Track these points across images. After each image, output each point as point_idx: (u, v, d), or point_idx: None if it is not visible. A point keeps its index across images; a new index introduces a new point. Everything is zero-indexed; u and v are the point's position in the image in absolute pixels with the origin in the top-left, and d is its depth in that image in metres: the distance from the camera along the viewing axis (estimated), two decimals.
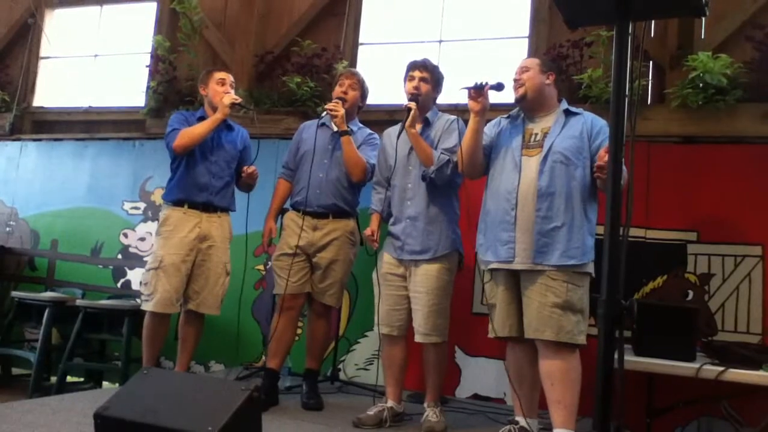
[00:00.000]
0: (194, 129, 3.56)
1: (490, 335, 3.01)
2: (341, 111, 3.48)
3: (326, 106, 3.52)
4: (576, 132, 2.90)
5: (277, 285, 3.56)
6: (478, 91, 2.91)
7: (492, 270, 2.98)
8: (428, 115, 3.34)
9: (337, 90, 3.61)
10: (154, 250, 3.63)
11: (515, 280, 2.90)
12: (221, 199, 3.69)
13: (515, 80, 3.00)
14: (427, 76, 3.31)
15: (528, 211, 2.84)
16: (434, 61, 3.42)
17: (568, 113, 2.97)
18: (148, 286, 3.55)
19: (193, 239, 3.57)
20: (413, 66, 3.35)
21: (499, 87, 2.93)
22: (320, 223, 3.53)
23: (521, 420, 2.92)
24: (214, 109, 3.64)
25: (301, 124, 3.85)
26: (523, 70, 2.99)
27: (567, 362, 2.77)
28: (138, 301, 4.55)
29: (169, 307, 3.54)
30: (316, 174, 3.55)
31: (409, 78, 3.34)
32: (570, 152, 2.85)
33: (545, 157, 2.86)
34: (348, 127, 3.52)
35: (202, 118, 3.68)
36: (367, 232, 3.35)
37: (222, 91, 3.66)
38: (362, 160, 3.50)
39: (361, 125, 3.73)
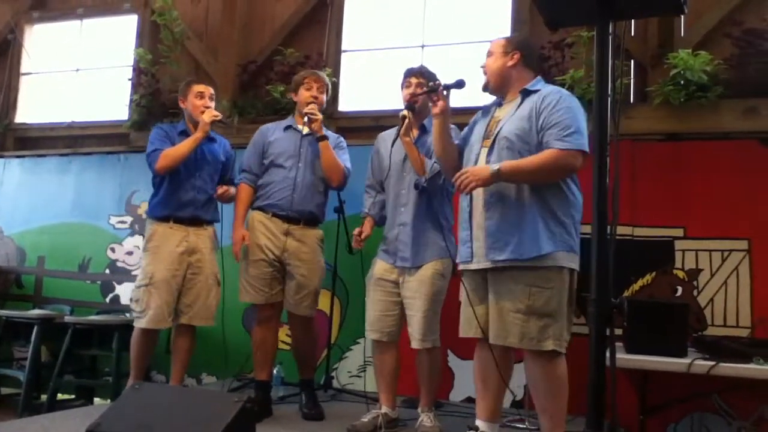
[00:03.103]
0: (176, 150, 3.52)
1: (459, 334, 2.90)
2: (320, 115, 3.46)
3: (306, 110, 3.46)
4: (526, 112, 2.70)
5: (248, 294, 3.51)
6: (436, 94, 2.82)
7: (463, 270, 2.87)
8: (425, 122, 3.31)
9: (305, 93, 3.55)
10: (143, 266, 3.59)
11: (483, 282, 2.78)
12: (206, 212, 3.67)
13: (482, 68, 2.88)
14: (423, 82, 3.23)
15: (480, 207, 2.72)
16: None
17: (525, 93, 2.78)
18: (140, 303, 3.51)
19: (181, 253, 3.55)
20: (410, 73, 3.30)
21: (458, 85, 2.84)
22: (292, 228, 3.48)
23: (481, 424, 2.81)
24: (195, 123, 3.61)
25: (261, 126, 3.76)
26: (487, 55, 2.87)
27: (547, 371, 2.63)
28: (127, 315, 4.52)
29: (161, 323, 3.51)
30: (291, 178, 3.50)
31: (406, 85, 3.29)
32: (515, 135, 2.67)
33: (492, 146, 2.74)
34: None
35: (183, 133, 3.65)
36: (356, 231, 3.32)
37: (201, 104, 3.62)
38: (341, 165, 3.47)
39: (325, 128, 3.69)
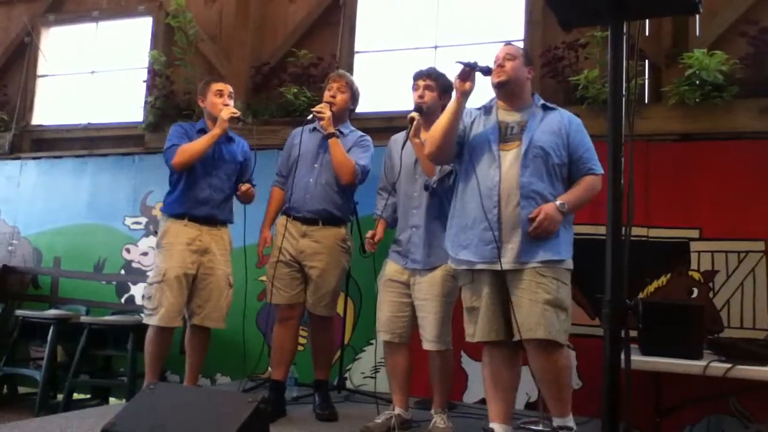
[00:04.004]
0: (193, 145, 3.52)
1: (471, 339, 2.89)
2: (328, 113, 3.45)
3: (313, 109, 3.49)
4: (554, 127, 2.87)
5: (270, 294, 3.53)
6: (469, 72, 2.82)
7: (473, 271, 2.87)
8: None
9: (326, 95, 3.58)
10: (157, 263, 3.59)
11: (500, 281, 2.82)
12: (221, 212, 3.67)
13: (498, 66, 2.90)
14: (431, 83, 3.27)
15: (511, 208, 2.76)
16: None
17: (545, 108, 2.94)
18: (152, 300, 3.50)
19: (194, 251, 3.54)
20: (418, 75, 3.32)
21: (487, 71, 2.87)
22: (309, 230, 3.48)
23: (496, 427, 2.84)
24: (214, 121, 3.61)
25: (293, 130, 3.81)
26: (508, 57, 2.91)
27: (558, 363, 2.74)
28: (142, 315, 4.55)
29: (173, 320, 3.50)
30: (306, 179, 3.50)
31: (414, 87, 3.31)
32: (549, 146, 2.81)
33: (526, 152, 2.80)
34: (338, 129, 3.50)
35: (202, 131, 3.65)
36: (369, 234, 3.34)
37: (220, 102, 3.63)
38: (350, 161, 3.45)
39: (353, 128, 3.68)
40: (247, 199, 3.70)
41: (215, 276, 3.59)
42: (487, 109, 3.01)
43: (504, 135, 2.88)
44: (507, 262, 2.76)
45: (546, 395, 2.86)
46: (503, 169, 2.81)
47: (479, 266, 2.83)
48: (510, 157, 2.82)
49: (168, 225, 3.59)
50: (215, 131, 3.54)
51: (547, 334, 2.69)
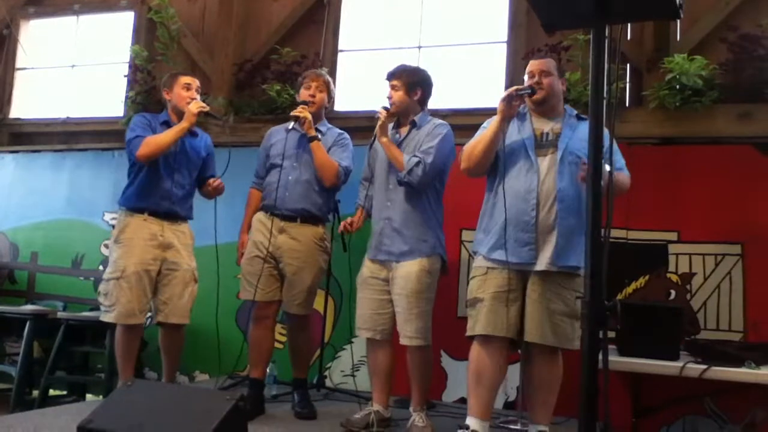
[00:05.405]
0: (159, 138, 3.42)
1: (470, 332, 2.91)
2: (309, 116, 3.44)
3: (293, 113, 3.48)
4: (586, 136, 2.92)
5: (245, 290, 3.50)
6: (513, 97, 2.88)
7: (489, 268, 2.93)
8: (416, 118, 3.33)
9: (304, 93, 3.57)
10: (114, 258, 3.46)
11: (516, 280, 2.88)
12: (182, 209, 3.59)
13: (536, 82, 2.97)
14: (396, 83, 3.32)
15: (548, 212, 2.85)
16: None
17: (579, 118, 3.02)
18: (109, 297, 3.41)
19: (155, 247, 3.46)
20: (386, 77, 3.37)
21: (531, 92, 2.94)
22: (287, 226, 3.46)
23: (473, 422, 2.86)
24: (179, 114, 3.53)
25: (268, 130, 3.78)
26: (544, 73, 2.98)
27: (558, 368, 2.89)
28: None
29: (131, 318, 3.41)
30: (285, 177, 3.48)
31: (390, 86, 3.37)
32: (583, 153, 2.83)
33: (562, 159, 2.88)
34: (316, 128, 3.49)
35: (166, 123, 3.56)
36: (347, 220, 3.35)
37: (187, 96, 3.55)
38: (334, 163, 3.45)
39: (330, 126, 3.67)
40: (216, 193, 3.60)
41: (180, 271, 3.53)
42: (520, 116, 3.06)
43: (540, 142, 2.96)
44: (541, 264, 2.85)
45: (537, 400, 2.93)
46: (541, 174, 2.89)
47: (517, 267, 2.88)
48: (546, 163, 2.91)
49: (127, 219, 3.49)
50: (183, 125, 3.44)
51: (557, 342, 2.81)
